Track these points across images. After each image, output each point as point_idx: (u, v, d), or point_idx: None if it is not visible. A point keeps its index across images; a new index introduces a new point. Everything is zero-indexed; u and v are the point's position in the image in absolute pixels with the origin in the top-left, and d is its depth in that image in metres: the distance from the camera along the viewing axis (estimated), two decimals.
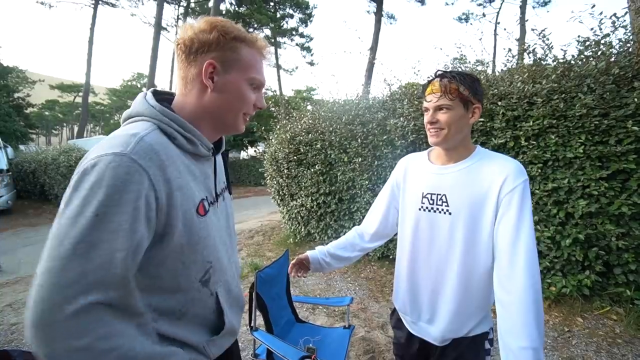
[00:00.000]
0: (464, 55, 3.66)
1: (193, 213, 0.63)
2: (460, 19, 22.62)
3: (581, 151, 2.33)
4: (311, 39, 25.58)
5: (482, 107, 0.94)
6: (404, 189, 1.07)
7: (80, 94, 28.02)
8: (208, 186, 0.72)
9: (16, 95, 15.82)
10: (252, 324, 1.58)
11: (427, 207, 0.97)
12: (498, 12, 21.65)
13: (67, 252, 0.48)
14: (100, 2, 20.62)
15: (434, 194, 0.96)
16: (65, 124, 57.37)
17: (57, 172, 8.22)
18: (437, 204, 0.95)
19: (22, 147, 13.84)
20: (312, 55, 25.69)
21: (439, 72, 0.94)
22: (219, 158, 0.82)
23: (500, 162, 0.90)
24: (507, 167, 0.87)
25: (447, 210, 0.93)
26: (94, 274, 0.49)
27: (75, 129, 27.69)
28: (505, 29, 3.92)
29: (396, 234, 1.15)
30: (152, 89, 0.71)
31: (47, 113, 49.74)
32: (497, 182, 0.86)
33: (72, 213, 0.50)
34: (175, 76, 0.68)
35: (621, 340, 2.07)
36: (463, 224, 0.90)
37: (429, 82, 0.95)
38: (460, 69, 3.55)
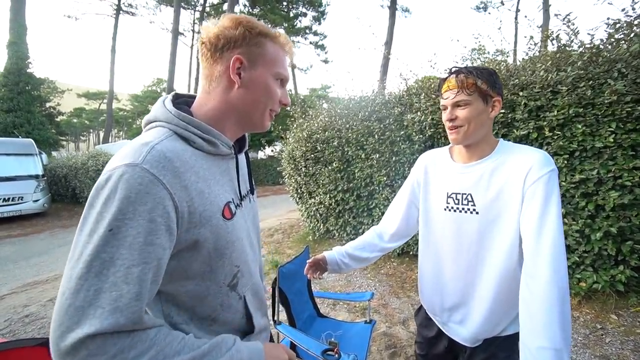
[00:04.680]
0: (483, 46, 3.55)
1: (219, 218, 0.62)
2: (478, 8, 21.83)
3: (612, 140, 2.22)
4: (325, 36, 25.52)
5: (503, 100, 0.91)
6: (425, 188, 1.04)
7: (105, 101, 29.35)
8: (233, 187, 0.71)
9: (48, 104, 16.75)
10: (275, 318, 1.63)
11: (452, 208, 0.94)
12: (518, 0, 20.73)
13: (81, 271, 0.47)
14: (121, 11, 21.49)
15: (459, 194, 0.93)
16: (91, 130, 60.28)
17: (87, 176, 8.70)
18: (462, 204, 0.92)
19: (54, 153, 14.70)
20: (326, 53, 25.63)
21: (454, 69, 0.91)
22: (242, 157, 0.80)
23: (524, 153, 0.85)
24: (531, 158, 0.83)
25: (474, 210, 0.90)
26: (108, 293, 0.46)
27: (101, 134, 29.04)
28: (526, 16, 3.77)
29: (416, 233, 1.12)
30: (173, 92, 0.71)
31: (75, 120, 52.47)
32: (521, 174, 0.82)
33: (88, 230, 0.49)
34: (200, 76, 0.67)
35: None
36: (492, 222, 0.87)
37: (444, 79, 0.93)
38: (479, 60, 3.45)
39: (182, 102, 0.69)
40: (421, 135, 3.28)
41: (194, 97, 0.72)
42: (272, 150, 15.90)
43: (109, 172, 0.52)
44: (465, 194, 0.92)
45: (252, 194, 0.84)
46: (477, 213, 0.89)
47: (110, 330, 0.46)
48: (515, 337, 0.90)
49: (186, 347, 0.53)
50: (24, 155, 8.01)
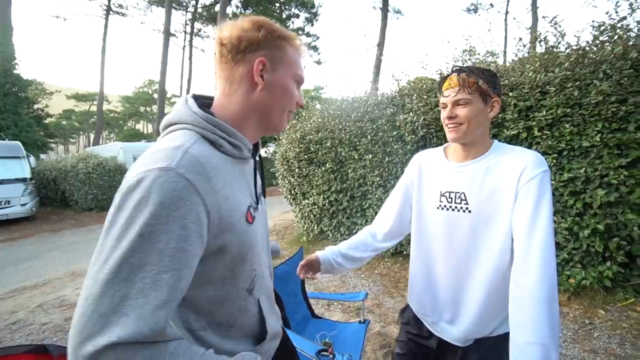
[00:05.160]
0: (473, 47, 3.61)
1: (242, 223, 0.61)
2: (468, 9, 22.16)
3: (598, 139, 2.27)
4: (318, 37, 25.57)
5: (501, 102, 0.92)
6: (419, 187, 1.04)
7: (95, 102, 28.91)
8: (250, 191, 0.70)
9: (36, 106, 16.40)
10: None
11: (446, 206, 0.95)
12: (508, 1, 21.10)
13: (107, 276, 0.45)
14: (111, 12, 21.21)
15: (453, 192, 0.94)
16: (81, 132, 59.30)
17: (77, 179, 8.55)
18: (455, 202, 0.92)
19: (42, 156, 14.40)
20: (319, 54, 25.68)
21: (456, 67, 0.91)
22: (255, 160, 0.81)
23: (518, 154, 0.87)
24: (525, 159, 0.84)
25: (467, 209, 0.90)
26: (134, 300, 0.45)
27: (91, 136, 28.55)
28: (515, 18, 3.84)
29: (409, 233, 1.12)
30: (192, 93, 0.68)
31: (64, 122, 51.51)
32: (515, 174, 0.83)
33: (116, 234, 0.47)
34: (219, 78, 0.66)
35: None
36: (484, 221, 0.88)
37: (446, 77, 0.93)
38: (470, 62, 3.50)
39: (200, 103, 0.66)
40: (414, 136, 3.31)
41: (209, 98, 0.71)
42: (265, 152, 15.82)
43: (140, 175, 0.49)
44: (458, 192, 0.92)
45: (264, 196, 0.84)
46: (469, 212, 0.90)
47: (133, 340, 0.43)
48: (506, 337, 0.90)
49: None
50: (11, 158, 7.82)
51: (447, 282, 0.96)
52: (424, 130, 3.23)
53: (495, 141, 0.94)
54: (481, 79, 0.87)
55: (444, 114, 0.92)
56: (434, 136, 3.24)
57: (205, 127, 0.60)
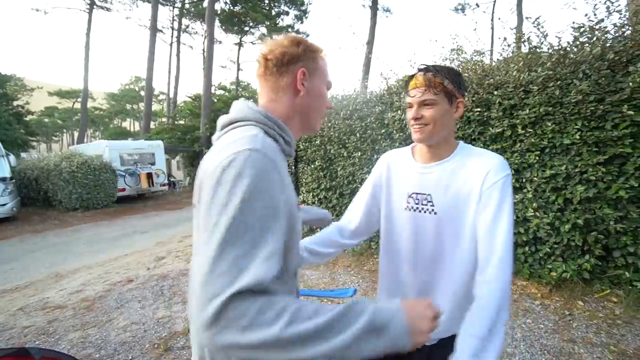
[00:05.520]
0: (461, 46, 3.67)
1: (296, 209, 0.69)
2: (456, 9, 22.46)
3: (578, 137, 2.35)
4: (307, 35, 25.46)
5: (465, 102, 0.92)
6: (388, 187, 1.04)
7: (79, 99, 28.07)
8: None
9: (15, 103, 15.85)
10: None
11: (412, 207, 0.95)
12: (495, 2, 21.46)
13: (219, 241, 0.50)
14: (95, 6, 20.59)
15: (420, 194, 0.94)
16: (65, 130, 57.56)
17: (60, 178, 8.30)
18: (422, 204, 0.93)
19: (23, 154, 13.93)
20: None
21: (422, 66, 0.90)
22: None
23: (483, 157, 0.88)
24: (489, 163, 0.86)
25: (433, 210, 0.91)
26: (248, 259, 0.50)
27: (76, 134, 27.75)
28: (499, 18, 3.92)
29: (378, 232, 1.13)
30: (242, 98, 0.78)
31: (46, 120, 49.91)
32: (479, 177, 0.85)
33: (221, 203, 0.53)
34: (264, 88, 0.76)
35: (620, 321, 2.11)
36: (449, 223, 0.89)
37: (412, 76, 0.90)
38: (457, 61, 3.56)
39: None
40: (402, 133, 3.35)
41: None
42: None
43: (232, 156, 0.57)
44: (425, 194, 0.93)
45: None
46: (435, 214, 0.91)
47: (251, 288, 0.47)
48: None
49: (320, 310, 0.52)
50: None
51: (415, 282, 0.97)
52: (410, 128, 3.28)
53: (461, 142, 0.94)
54: (447, 79, 0.86)
55: (409, 114, 0.90)
56: None
57: (266, 123, 0.69)
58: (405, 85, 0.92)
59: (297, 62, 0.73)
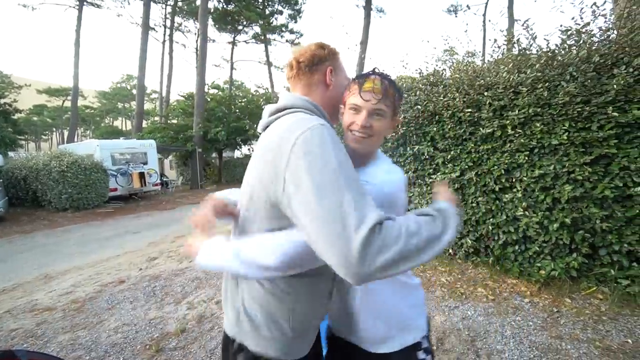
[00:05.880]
0: (453, 48, 3.71)
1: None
2: (449, 10, 22.67)
3: (565, 138, 2.40)
4: (301, 34, 25.46)
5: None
6: None
7: (69, 97, 27.53)
8: None
9: (2, 101, 15.47)
10: None
11: None
12: (486, 4, 21.71)
13: (336, 189, 0.58)
14: (85, 3, 20.23)
15: None
16: (54, 129, 56.46)
17: (49, 178, 8.14)
18: None
19: (11, 153, 13.62)
20: None
21: (380, 71, 0.86)
22: None
23: (386, 168, 0.87)
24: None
25: None
26: (367, 199, 0.59)
27: (66, 133, 27.25)
28: (490, 20, 3.98)
29: None
30: (285, 90, 0.89)
31: (35, 118, 48.85)
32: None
33: (318, 169, 0.60)
34: (298, 86, 0.87)
35: (606, 318, 2.16)
36: None
37: (367, 76, 0.84)
38: (449, 62, 3.60)
39: None
40: (394, 134, 3.37)
41: None
42: (249, 149, 15.65)
43: (307, 131, 0.66)
44: None
45: None
46: None
47: (384, 218, 0.57)
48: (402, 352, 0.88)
49: (422, 221, 0.63)
50: None
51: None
52: (404, 128, 3.30)
53: (379, 151, 0.93)
54: (397, 93, 0.85)
55: (354, 118, 0.82)
56: (413, 134, 3.31)
57: (313, 110, 0.80)
58: (358, 84, 0.83)
59: (324, 62, 0.86)
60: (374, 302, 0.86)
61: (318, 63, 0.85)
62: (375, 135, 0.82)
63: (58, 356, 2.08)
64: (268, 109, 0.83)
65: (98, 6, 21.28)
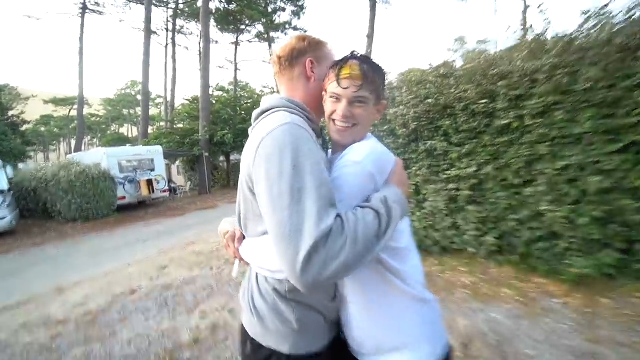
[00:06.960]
0: (464, 37, 3.57)
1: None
2: None
3: (589, 126, 2.26)
4: (305, 31, 25.26)
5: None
6: None
7: (75, 106, 27.90)
8: None
9: (10, 113, 15.73)
10: None
11: None
12: None
13: (285, 203, 0.61)
14: (87, 10, 20.41)
15: None
16: (62, 138, 57.40)
17: (59, 188, 8.20)
18: None
19: (20, 165, 13.85)
20: None
21: (358, 53, 0.79)
22: None
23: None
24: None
25: None
26: (311, 210, 0.59)
27: (73, 142, 27.61)
28: (501, 7, 3.81)
29: None
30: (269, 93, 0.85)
31: (42, 129, 49.77)
32: None
33: (275, 172, 0.63)
34: (283, 82, 0.87)
35: None
36: None
37: (345, 61, 0.77)
38: (460, 51, 3.46)
39: None
40: (405, 129, 3.26)
41: None
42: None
43: (271, 131, 0.67)
44: None
45: None
46: None
47: (327, 234, 0.57)
48: None
49: (368, 220, 0.63)
50: None
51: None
52: (415, 123, 3.19)
53: (369, 134, 0.86)
54: (380, 77, 0.79)
55: (335, 107, 0.77)
56: (425, 129, 3.19)
57: (289, 106, 0.78)
58: (336, 70, 0.77)
59: (304, 54, 0.84)
60: (366, 310, 0.77)
61: (298, 56, 0.84)
62: (359, 124, 0.78)
63: None
64: (254, 113, 0.84)
65: (100, 13, 21.46)
